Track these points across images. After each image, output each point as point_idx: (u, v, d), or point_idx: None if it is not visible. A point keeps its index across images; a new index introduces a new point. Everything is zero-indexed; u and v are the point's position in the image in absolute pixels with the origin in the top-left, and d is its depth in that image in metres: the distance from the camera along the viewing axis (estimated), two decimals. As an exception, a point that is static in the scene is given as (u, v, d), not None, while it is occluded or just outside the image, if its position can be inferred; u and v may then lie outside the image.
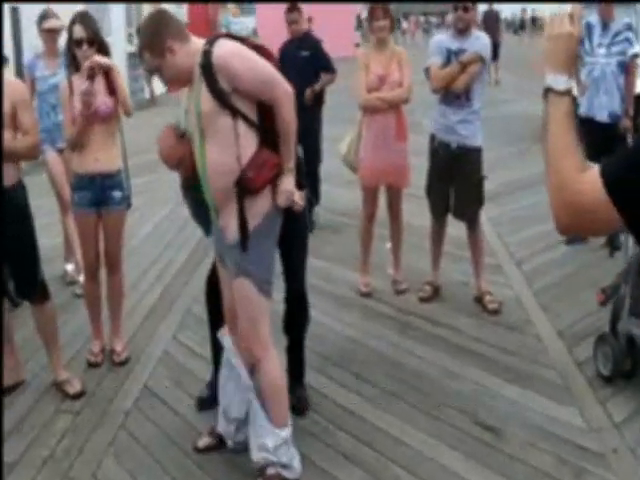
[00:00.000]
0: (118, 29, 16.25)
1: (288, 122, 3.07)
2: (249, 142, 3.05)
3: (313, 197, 4.37)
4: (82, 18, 4.35)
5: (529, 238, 6.65)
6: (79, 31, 4.28)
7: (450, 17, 5.55)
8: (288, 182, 3.13)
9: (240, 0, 29.04)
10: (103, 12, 15.90)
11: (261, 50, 3.14)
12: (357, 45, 33.22)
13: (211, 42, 3.02)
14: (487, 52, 5.01)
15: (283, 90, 3.04)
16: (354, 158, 5.37)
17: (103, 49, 4.36)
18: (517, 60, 22.64)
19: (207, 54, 2.98)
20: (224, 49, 2.99)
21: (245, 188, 3.03)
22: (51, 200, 5.93)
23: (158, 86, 17.82)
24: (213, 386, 3.81)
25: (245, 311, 3.19)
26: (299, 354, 3.97)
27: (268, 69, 3.05)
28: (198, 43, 3.11)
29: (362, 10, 39.78)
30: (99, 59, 4.23)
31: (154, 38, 3.05)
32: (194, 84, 3.07)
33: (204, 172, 3.12)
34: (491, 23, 19.44)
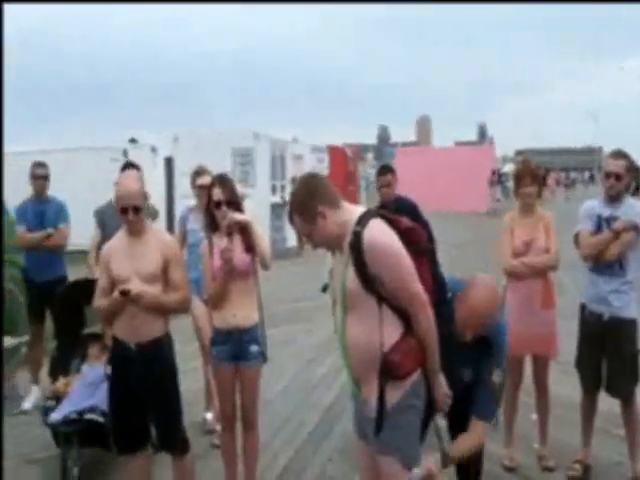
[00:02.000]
0: (263, 181, 17.09)
1: (425, 330, 3.04)
2: (394, 327, 3.02)
3: None
4: (220, 181, 4.58)
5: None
6: (218, 193, 4.49)
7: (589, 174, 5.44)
8: (441, 384, 3.19)
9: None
10: (249, 165, 16.89)
11: (411, 232, 3.12)
12: (498, 200, 33.27)
13: (362, 222, 3.01)
14: None
15: (421, 305, 3.01)
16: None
17: (239, 209, 4.53)
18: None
19: (358, 235, 2.97)
20: (376, 237, 2.97)
21: (390, 373, 2.99)
22: (194, 345, 6.08)
23: (291, 238, 18.42)
24: None
25: None
26: None
27: (410, 277, 3.00)
28: (349, 213, 3.11)
29: (500, 166, 40.05)
30: (237, 216, 4.42)
31: (306, 203, 3.07)
32: (343, 252, 3.09)
33: (343, 342, 3.10)
34: None
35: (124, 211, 4.03)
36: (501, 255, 5.20)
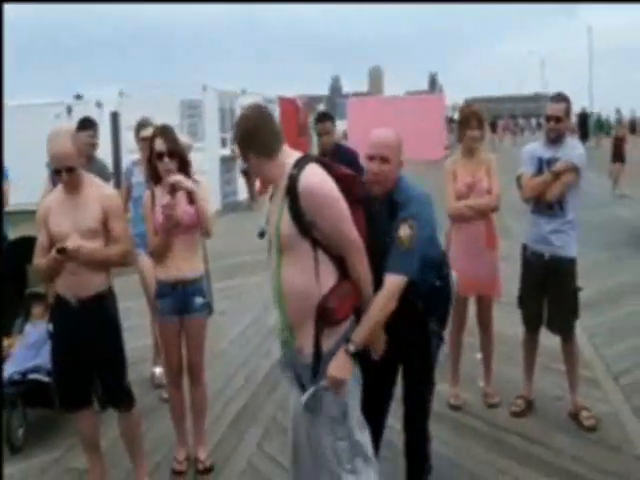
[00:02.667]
0: (212, 133, 16.89)
1: (360, 275, 3.04)
2: (329, 271, 3.01)
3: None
4: (162, 131, 4.46)
5: (627, 350, 6.38)
6: (160, 144, 4.38)
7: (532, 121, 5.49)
8: (375, 331, 3.15)
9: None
10: (198, 118, 16.67)
11: (348, 179, 3.09)
12: (447, 148, 33.57)
13: (299, 165, 2.98)
14: (582, 161, 4.90)
15: (356, 250, 3.02)
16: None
17: (183, 161, 4.45)
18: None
19: (294, 178, 2.94)
20: (312, 181, 2.94)
21: (326, 319, 2.97)
22: (142, 302, 6.05)
23: (242, 193, 18.33)
24: None
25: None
26: None
27: (347, 222, 3.00)
28: (288, 155, 3.08)
29: (451, 114, 40.34)
30: (182, 181, 4.30)
31: (252, 134, 3.04)
32: (277, 196, 3.06)
33: (278, 289, 3.07)
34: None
35: (57, 172, 3.93)
36: (445, 199, 5.24)
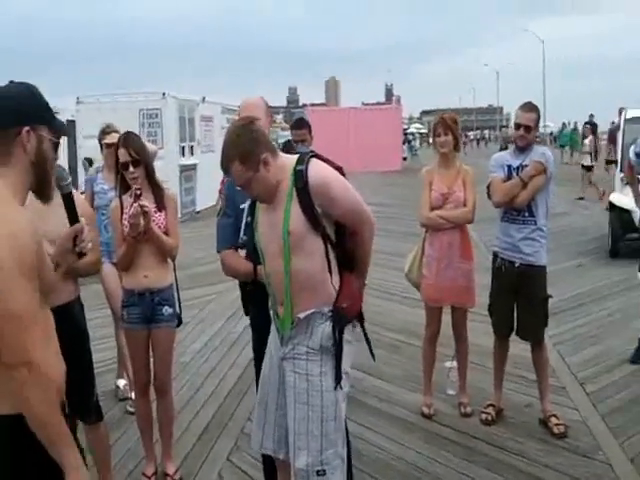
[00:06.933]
0: (171, 142, 16.71)
1: (368, 251, 3.17)
2: (336, 265, 3.08)
3: None
4: (125, 141, 4.34)
5: (591, 357, 6.46)
6: (123, 155, 4.28)
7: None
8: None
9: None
10: (157, 126, 16.50)
11: (340, 171, 3.17)
12: (404, 159, 33.95)
13: (303, 161, 3.01)
14: (551, 165, 4.90)
15: (370, 221, 3.13)
16: (417, 276, 5.26)
17: (147, 168, 4.35)
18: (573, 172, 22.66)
19: (302, 174, 2.96)
20: (322, 172, 3.01)
21: (343, 318, 3.04)
22: (104, 312, 5.94)
23: (201, 200, 18.20)
24: None
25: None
26: None
27: (359, 198, 3.11)
28: (287, 158, 3.10)
29: (407, 126, 40.85)
30: (143, 206, 4.15)
31: (251, 149, 2.95)
32: (275, 201, 3.04)
33: (287, 288, 3.04)
34: None
35: None
36: (418, 208, 5.24)
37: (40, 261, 2.19)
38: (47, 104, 2.33)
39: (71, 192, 2.92)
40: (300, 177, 2.95)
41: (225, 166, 3.01)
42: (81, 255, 3.21)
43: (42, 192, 2.40)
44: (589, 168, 19.07)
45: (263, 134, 3.05)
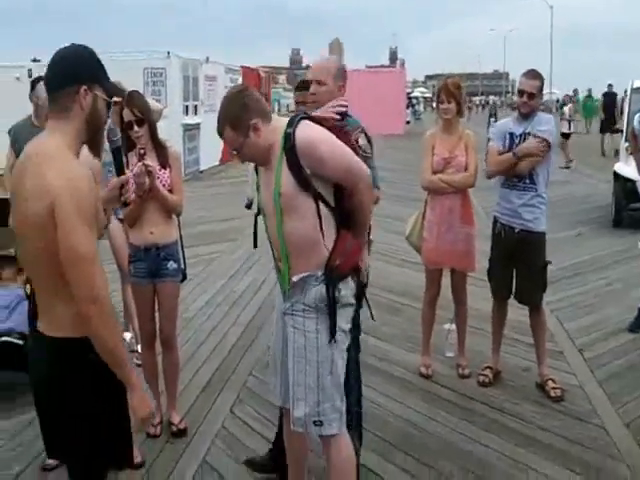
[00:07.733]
0: (175, 101, 16.67)
1: (366, 210, 3.16)
2: (330, 223, 3.08)
3: None
4: (129, 101, 4.37)
5: (590, 324, 6.54)
6: (127, 114, 4.35)
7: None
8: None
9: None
10: (161, 85, 16.43)
11: (335, 131, 3.14)
12: (408, 123, 33.66)
13: (293, 123, 3.03)
14: (552, 136, 4.93)
15: (365, 181, 3.10)
16: (418, 239, 5.33)
17: (151, 127, 4.42)
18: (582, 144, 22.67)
19: (290, 136, 2.98)
20: (309, 133, 3.00)
21: (333, 274, 3.05)
22: (111, 267, 5.98)
23: (204, 160, 18.22)
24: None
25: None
26: None
27: (351, 156, 3.09)
28: (279, 121, 3.13)
29: (411, 90, 40.58)
30: (147, 165, 4.23)
31: (240, 115, 3.03)
32: (271, 163, 3.08)
33: (283, 247, 3.10)
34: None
35: None
36: (420, 172, 5.28)
37: (95, 207, 2.40)
38: (102, 65, 2.50)
39: (120, 146, 3.03)
40: (288, 139, 2.98)
41: (219, 132, 3.11)
42: (125, 204, 3.36)
43: (94, 146, 2.56)
44: (567, 136, 19.17)
45: (255, 100, 3.08)
